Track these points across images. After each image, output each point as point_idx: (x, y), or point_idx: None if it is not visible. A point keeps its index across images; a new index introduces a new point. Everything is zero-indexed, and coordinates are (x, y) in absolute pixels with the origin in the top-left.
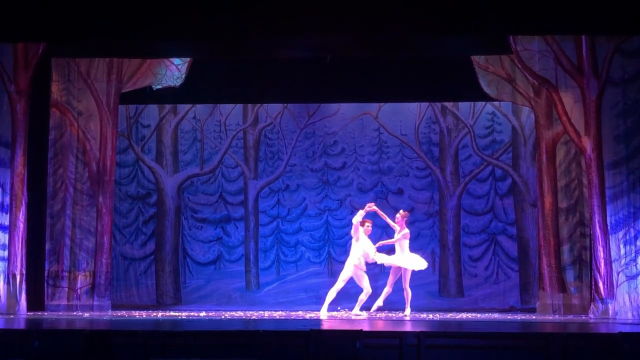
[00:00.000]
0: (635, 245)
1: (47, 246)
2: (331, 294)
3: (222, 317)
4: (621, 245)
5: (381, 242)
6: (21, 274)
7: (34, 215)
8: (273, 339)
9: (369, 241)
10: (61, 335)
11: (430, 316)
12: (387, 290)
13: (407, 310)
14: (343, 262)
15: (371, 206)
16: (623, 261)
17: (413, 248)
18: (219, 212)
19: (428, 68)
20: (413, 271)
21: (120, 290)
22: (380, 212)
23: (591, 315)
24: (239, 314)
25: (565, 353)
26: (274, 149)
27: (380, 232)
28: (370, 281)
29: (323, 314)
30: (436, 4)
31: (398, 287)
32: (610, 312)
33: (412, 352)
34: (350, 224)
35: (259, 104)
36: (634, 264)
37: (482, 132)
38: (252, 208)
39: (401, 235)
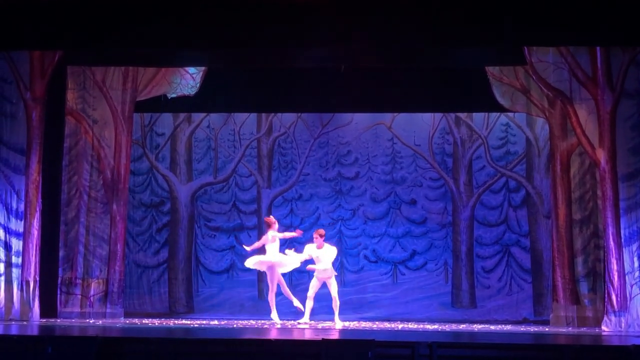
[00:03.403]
0: None
1: (61, 253)
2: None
3: (234, 325)
4: (635, 258)
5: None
6: (35, 281)
7: (48, 222)
8: (285, 348)
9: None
10: (74, 342)
11: (443, 327)
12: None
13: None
14: (355, 272)
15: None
16: (637, 274)
17: (426, 258)
18: (232, 220)
19: (442, 78)
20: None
21: (133, 298)
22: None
23: (604, 328)
24: (251, 322)
25: None
26: (287, 158)
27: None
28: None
29: (337, 324)
30: (451, 15)
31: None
32: (623, 324)
33: None
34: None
35: (273, 114)
36: None
37: (496, 143)
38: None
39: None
